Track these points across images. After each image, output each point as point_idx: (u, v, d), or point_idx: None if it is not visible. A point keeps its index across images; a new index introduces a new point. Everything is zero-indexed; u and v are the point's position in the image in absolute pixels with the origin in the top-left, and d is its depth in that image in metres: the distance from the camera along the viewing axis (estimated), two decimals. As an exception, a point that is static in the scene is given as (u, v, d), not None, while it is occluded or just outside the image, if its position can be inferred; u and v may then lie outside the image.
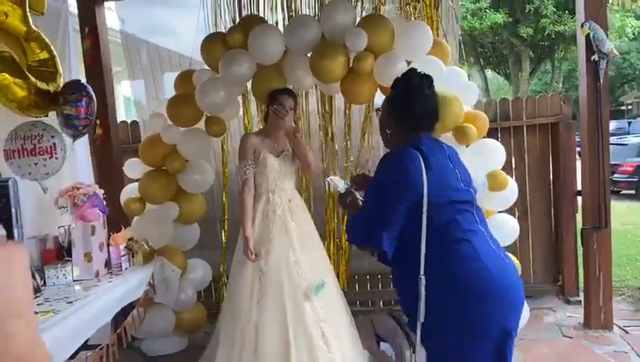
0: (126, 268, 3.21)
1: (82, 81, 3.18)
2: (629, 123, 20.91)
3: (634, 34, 15.77)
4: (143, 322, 3.45)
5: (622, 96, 26.48)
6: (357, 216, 2.01)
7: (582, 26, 3.62)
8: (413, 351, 1.83)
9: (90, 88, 3.09)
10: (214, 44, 3.56)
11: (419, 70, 2.02)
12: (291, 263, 3.06)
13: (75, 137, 3.10)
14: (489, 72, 20.84)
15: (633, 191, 11.22)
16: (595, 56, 3.60)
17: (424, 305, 1.80)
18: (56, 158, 2.97)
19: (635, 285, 5.31)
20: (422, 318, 1.80)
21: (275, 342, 2.94)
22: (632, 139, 13.23)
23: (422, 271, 1.80)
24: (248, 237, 3.09)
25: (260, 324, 2.96)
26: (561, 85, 18.34)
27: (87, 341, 2.98)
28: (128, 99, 7.62)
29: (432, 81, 1.99)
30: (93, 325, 2.61)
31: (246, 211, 3.15)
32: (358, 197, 2.13)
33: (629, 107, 28.21)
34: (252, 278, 3.07)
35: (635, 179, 11.43)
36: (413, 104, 1.96)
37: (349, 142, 4.39)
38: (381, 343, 1.98)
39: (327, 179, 2.35)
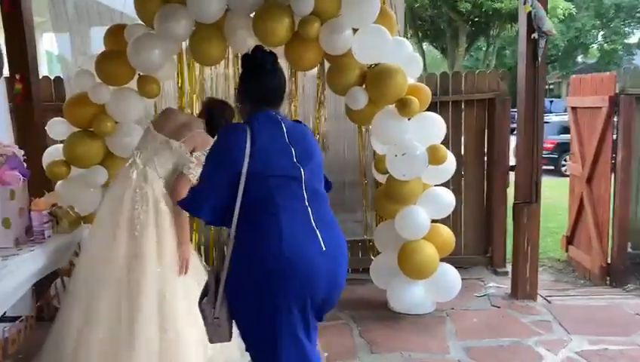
0: (49, 236, 2.98)
1: None
2: (551, 102, 22.00)
3: (564, 15, 16.41)
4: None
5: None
6: (193, 187, 2.14)
7: (524, 3, 3.66)
8: (214, 307, 1.98)
9: None
10: (149, -2, 3.31)
11: (265, 48, 2.13)
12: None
13: None
14: (424, 46, 21.14)
15: (552, 167, 11.89)
16: (535, 35, 3.66)
17: (228, 265, 1.95)
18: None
19: (555, 256, 5.63)
20: (224, 277, 1.96)
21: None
22: (553, 118, 13.96)
23: (232, 235, 1.95)
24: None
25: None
26: (494, 60, 18.88)
27: (4, 313, 2.78)
28: (51, 54, 7.05)
29: (276, 59, 2.10)
30: (13, 297, 2.41)
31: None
32: None
33: (551, 87, 29.65)
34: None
35: (555, 156, 12.11)
36: (254, 80, 2.08)
37: (294, 108, 4.32)
38: (205, 298, 2.06)
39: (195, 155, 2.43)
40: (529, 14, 3.63)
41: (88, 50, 4.24)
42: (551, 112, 17.72)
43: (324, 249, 1.97)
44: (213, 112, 2.99)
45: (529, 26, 3.69)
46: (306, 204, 2.00)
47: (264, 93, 2.09)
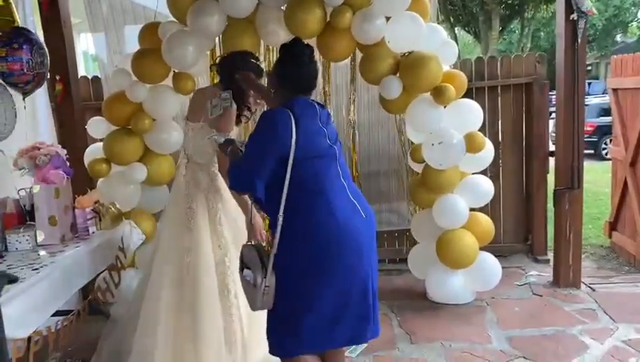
0: (93, 232, 3.06)
1: (24, 31, 2.84)
2: (589, 84, 21.32)
3: (600, -6, 15.89)
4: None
5: (582, 56, 26.85)
6: (236, 165, 2.25)
7: (562, -17, 3.56)
8: (265, 277, 2.13)
9: (32, 38, 2.77)
10: (182, -5, 3.34)
11: (304, 40, 2.33)
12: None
13: (24, 94, 2.87)
14: (456, 31, 20.76)
15: (592, 151, 11.56)
16: (574, 15, 3.55)
17: (278, 240, 2.12)
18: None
19: (598, 243, 5.48)
20: (274, 250, 2.13)
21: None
22: (592, 100, 13.54)
23: (281, 212, 2.11)
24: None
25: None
26: (529, 42, 18.41)
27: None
28: (86, 53, 7.22)
29: (313, 51, 2.29)
30: (65, 292, 2.49)
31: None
32: (239, 147, 2.35)
33: (589, 68, 28.76)
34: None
35: (595, 139, 11.78)
36: (293, 70, 2.24)
37: (329, 99, 4.33)
38: (245, 270, 2.24)
39: (208, 137, 2.56)
40: (567, -6, 3.52)
41: (123, 49, 4.31)
42: (589, 94, 17.22)
43: (364, 217, 2.21)
44: (224, 63, 2.85)
45: (567, 6, 3.57)
46: (342, 179, 2.23)
47: (301, 82, 2.26)
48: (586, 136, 11.85)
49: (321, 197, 2.14)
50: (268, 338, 2.29)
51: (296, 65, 2.24)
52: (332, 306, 2.16)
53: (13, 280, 2.11)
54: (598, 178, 8.55)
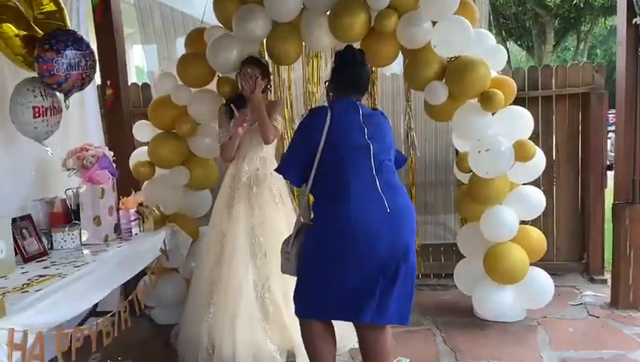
0: (136, 234, 3.11)
1: (60, 32, 2.87)
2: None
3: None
4: (155, 290, 3.36)
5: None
6: (284, 153, 2.65)
7: (624, -15, 3.38)
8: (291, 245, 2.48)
9: (66, 39, 2.81)
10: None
11: (354, 46, 2.61)
12: (249, 228, 3.17)
13: (65, 95, 2.94)
14: (509, 44, 20.27)
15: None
16: (637, 19, 3.35)
17: (305, 210, 2.47)
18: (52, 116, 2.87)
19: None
20: (302, 219, 2.49)
21: (229, 298, 3.08)
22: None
23: (307, 192, 2.44)
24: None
25: (217, 282, 3.14)
26: (585, 59, 17.75)
27: (95, 307, 2.90)
28: (141, 70, 7.41)
29: (364, 55, 2.55)
30: (102, 290, 2.50)
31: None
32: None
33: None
34: (215, 241, 3.24)
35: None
36: (345, 71, 2.50)
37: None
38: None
39: None
40: (630, -3, 3.33)
41: (173, 58, 4.39)
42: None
43: (388, 211, 2.29)
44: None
45: (629, 11, 3.38)
46: (374, 173, 2.34)
47: (352, 81, 2.50)
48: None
49: (341, 183, 2.32)
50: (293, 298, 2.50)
51: (348, 67, 2.49)
52: (332, 283, 2.33)
53: None
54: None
